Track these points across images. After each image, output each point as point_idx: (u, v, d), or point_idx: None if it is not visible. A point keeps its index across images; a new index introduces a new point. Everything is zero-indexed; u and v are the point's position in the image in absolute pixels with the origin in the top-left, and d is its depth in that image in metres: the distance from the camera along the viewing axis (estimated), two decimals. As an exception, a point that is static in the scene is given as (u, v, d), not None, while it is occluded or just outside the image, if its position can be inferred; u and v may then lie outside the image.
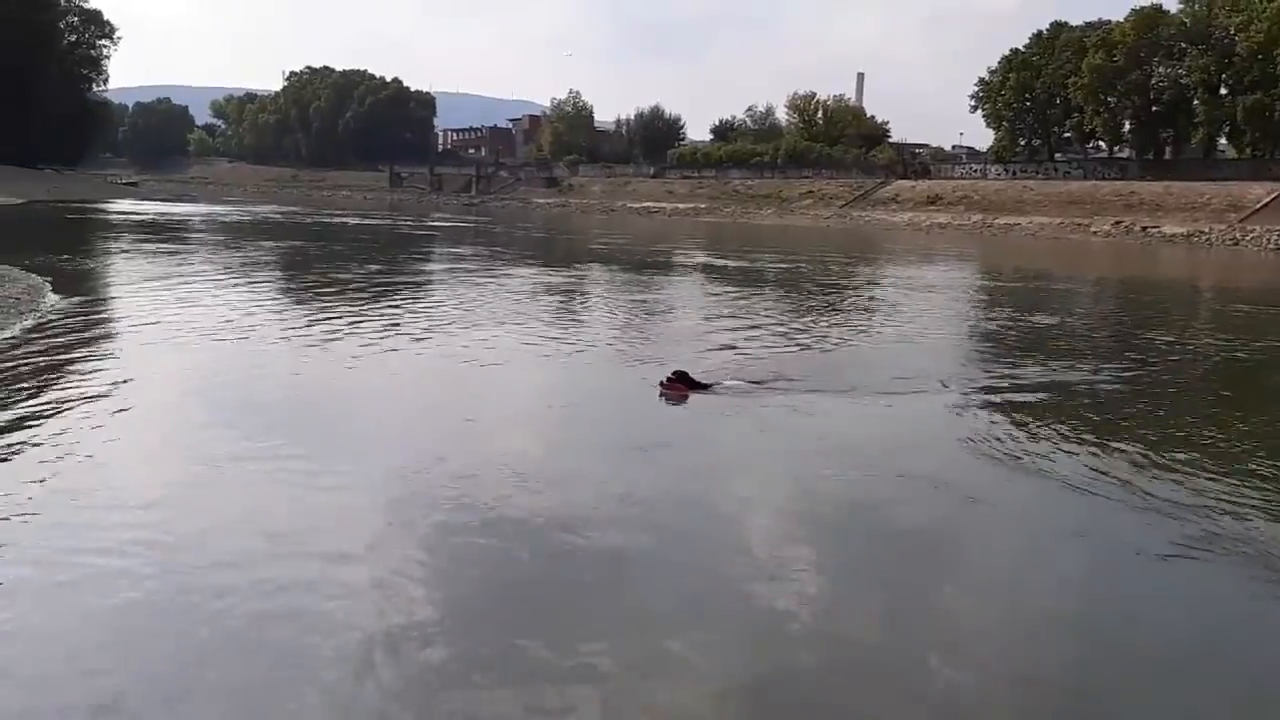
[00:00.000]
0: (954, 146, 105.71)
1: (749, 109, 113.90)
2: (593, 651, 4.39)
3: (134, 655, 4.23)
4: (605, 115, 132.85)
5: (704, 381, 9.91)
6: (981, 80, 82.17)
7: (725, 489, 7.03)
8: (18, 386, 8.81)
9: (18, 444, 7.02)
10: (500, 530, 5.80)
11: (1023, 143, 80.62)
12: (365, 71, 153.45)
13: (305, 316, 15.06)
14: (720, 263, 30.89)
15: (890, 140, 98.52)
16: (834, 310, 18.84)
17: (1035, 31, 78.50)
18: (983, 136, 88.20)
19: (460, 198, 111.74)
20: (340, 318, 14.84)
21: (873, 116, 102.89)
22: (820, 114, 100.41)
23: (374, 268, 24.79)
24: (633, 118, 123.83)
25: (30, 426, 7.47)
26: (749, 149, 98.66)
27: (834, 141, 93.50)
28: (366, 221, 54.07)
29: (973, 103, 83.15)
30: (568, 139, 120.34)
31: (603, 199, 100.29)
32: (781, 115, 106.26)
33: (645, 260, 31.31)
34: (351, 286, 19.44)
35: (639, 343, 13.61)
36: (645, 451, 7.77)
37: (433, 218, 64.34)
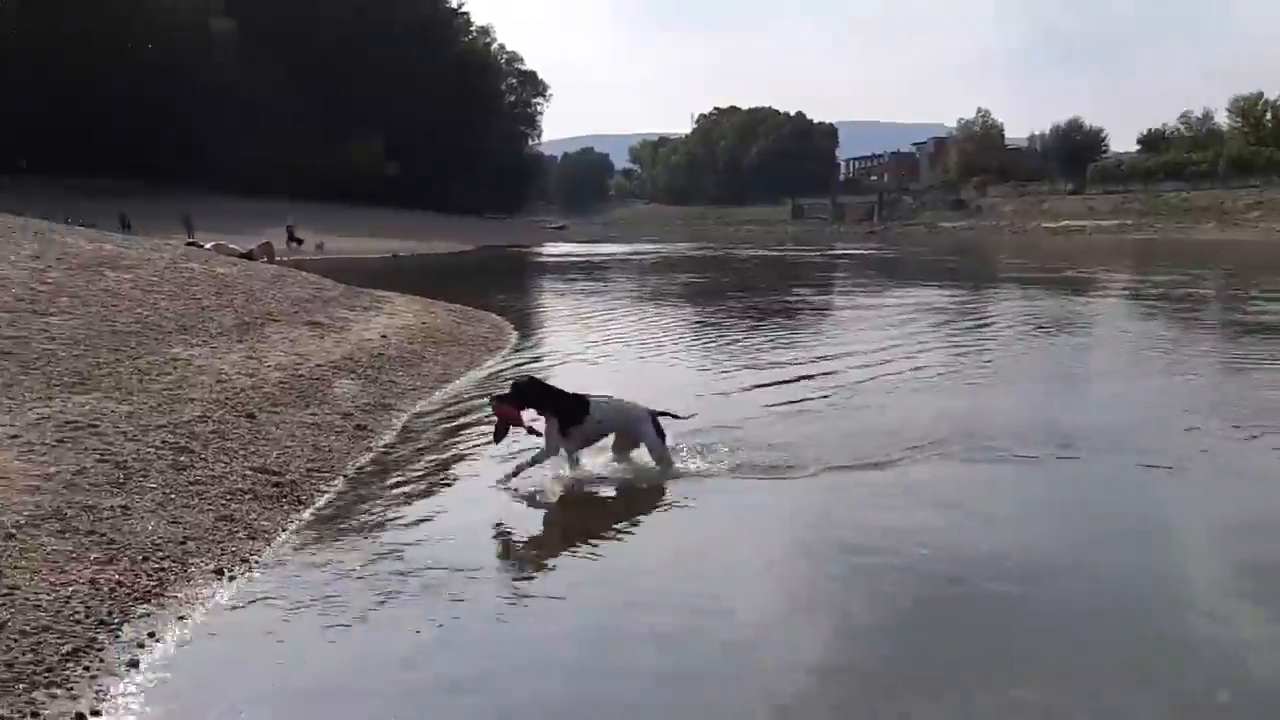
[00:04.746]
0: None
1: (1182, 115, 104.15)
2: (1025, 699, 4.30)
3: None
4: (1016, 132, 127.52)
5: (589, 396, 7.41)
6: None
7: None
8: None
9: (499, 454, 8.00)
10: (925, 573, 5.64)
11: None
12: (769, 108, 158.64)
13: (713, 342, 15.97)
14: (1139, 281, 28.53)
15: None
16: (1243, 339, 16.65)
17: None
18: None
19: (862, 226, 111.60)
20: (746, 342, 15.59)
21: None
22: (1269, 115, 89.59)
23: (776, 296, 25.53)
24: (1047, 132, 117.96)
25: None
26: (1182, 159, 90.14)
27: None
28: (769, 253, 55.52)
29: None
30: (975, 159, 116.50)
31: (1014, 219, 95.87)
32: (1222, 120, 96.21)
33: (1058, 283, 29.52)
34: (756, 314, 20.20)
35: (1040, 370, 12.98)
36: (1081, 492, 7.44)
37: (834, 248, 64.72)
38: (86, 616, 4.41)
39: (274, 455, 7.24)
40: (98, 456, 6.34)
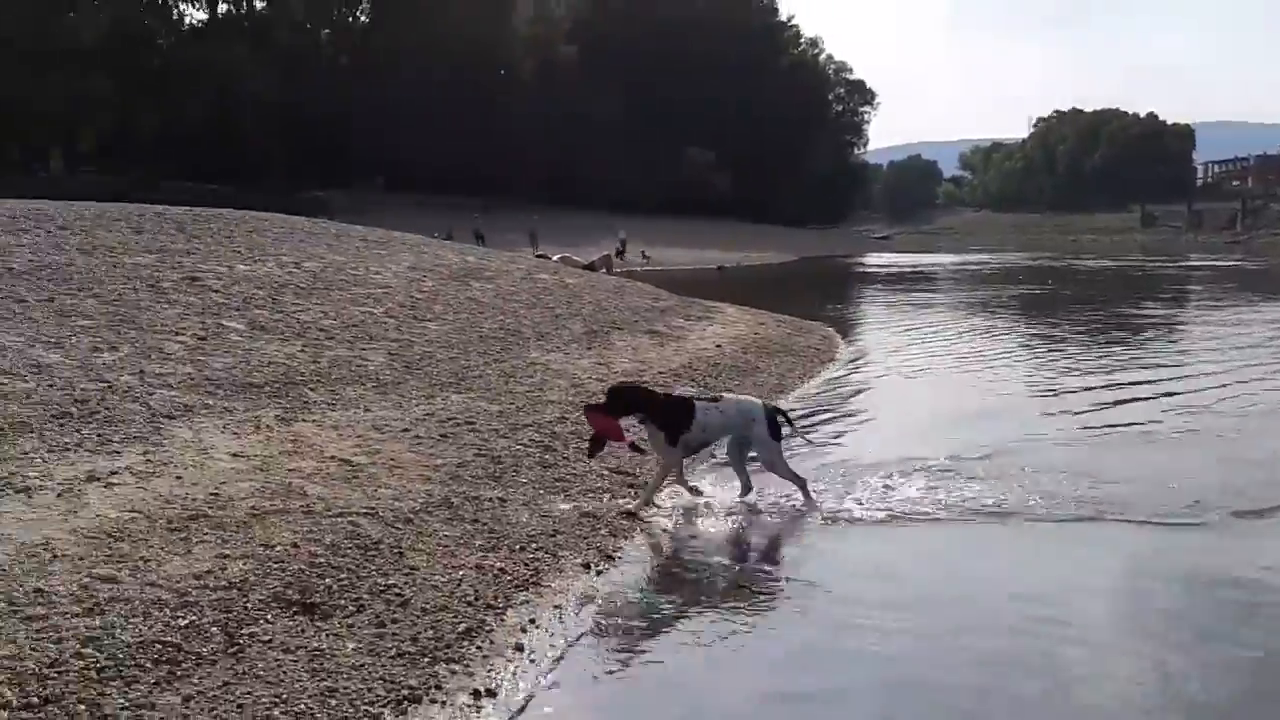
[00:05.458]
0: None
1: None
2: None
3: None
4: None
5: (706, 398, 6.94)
6: None
7: None
8: (833, 411, 10.41)
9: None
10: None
11: None
12: (1115, 110, 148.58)
13: (1047, 358, 15.26)
14: None
15: None
16: None
17: None
18: None
19: (1223, 235, 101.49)
20: (1084, 359, 14.90)
21: None
22: None
23: (1121, 310, 23.76)
24: None
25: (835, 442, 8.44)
26: None
27: None
28: (1114, 264, 51.78)
29: None
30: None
31: None
32: None
33: None
34: (1097, 328, 19.15)
35: None
36: None
37: (1188, 259, 59.22)
38: (476, 599, 4.79)
39: (626, 457, 7.57)
40: (476, 451, 6.92)
